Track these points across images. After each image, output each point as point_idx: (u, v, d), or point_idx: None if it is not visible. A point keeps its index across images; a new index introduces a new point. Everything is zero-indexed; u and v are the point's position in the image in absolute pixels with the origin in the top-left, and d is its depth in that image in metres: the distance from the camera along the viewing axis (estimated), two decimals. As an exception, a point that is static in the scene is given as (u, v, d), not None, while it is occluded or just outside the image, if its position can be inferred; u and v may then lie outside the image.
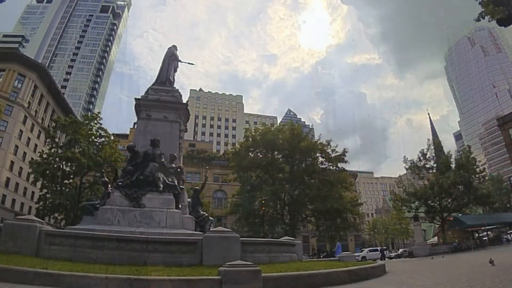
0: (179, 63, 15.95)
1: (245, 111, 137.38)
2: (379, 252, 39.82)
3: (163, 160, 12.45)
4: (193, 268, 7.46)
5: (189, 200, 13.75)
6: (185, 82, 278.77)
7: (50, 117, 59.69)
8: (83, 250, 7.92)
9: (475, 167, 41.07)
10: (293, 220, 37.30)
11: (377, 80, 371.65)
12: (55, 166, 35.44)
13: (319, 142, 39.32)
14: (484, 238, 40.20)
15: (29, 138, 54.20)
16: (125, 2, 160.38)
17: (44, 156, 36.51)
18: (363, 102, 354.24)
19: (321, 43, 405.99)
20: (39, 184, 38.33)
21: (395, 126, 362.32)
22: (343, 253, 21.00)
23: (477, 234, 41.60)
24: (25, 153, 52.64)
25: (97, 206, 12.31)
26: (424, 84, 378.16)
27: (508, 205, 59.70)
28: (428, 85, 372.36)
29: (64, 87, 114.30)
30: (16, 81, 51.39)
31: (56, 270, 5.98)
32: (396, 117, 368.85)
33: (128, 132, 79.10)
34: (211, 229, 10.68)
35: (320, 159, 39.29)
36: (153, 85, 14.97)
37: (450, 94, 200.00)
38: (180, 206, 12.13)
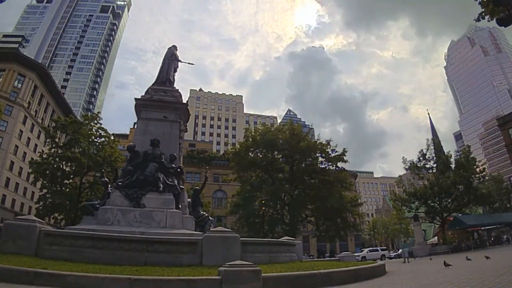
0: (179, 63, 15.98)
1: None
2: (379, 252, 39.87)
3: (163, 160, 12.46)
4: (193, 268, 7.46)
5: (189, 200, 13.76)
6: (147, 75, 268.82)
7: (50, 117, 59.64)
8: (83, 250, 7.93)
9: (475, 167, 41.03)
10: (293, 220, 37.24)
11: (351, 63, 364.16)
12: (55, 166, 35.39)
13: (318, 142, 39.33)
14: (484, 238, 40.20)
15: (29, 138, 54.19)
16: (125, 2, 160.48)
17: (44, 156, 36.46)
18: (338, 82, 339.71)
19: (289, 26, 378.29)
20: (39, 184, 38.27)
21: (375, 110, 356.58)
22: (343, 253, 21.08)
23: (477, 234, 41.59)
24: (25, 153, 52.62)
25: (97, 206, 12.33)
26: (406, 63, 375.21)
27: (508, 205, 59.65)
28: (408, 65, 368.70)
29: (64, 87, 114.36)
30: (16, 81, 51.39)
31: (56, 270, 5.98)
32: (374, 99, 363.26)
33: (128, 132, 79.19)
34: (211, 229, 10.67)
35: (320, 159, 39.29)
36: (153, 85, 14.98)
37: (441, 78, 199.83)
38: (180, 206, 12.13)
